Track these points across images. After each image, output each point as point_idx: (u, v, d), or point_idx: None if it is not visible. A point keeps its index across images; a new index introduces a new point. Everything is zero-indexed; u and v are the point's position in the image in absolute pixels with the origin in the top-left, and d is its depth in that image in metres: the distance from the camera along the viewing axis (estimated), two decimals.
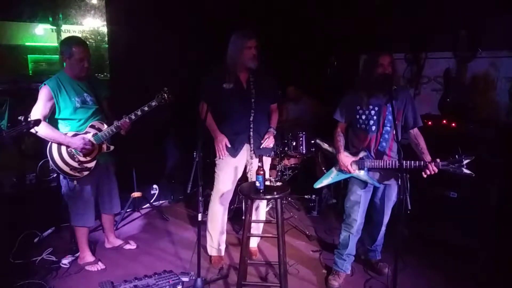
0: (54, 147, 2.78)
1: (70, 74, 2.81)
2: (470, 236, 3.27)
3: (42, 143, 2.86)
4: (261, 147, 3.00)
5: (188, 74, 3.34)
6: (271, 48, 4.49)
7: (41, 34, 5.55)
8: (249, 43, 2.82)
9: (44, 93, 2.70)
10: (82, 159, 2.82)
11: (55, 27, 5.58)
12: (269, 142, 3.01)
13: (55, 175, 3.34)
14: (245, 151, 3.02)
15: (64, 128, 2.82)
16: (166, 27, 4.14)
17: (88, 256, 3.11)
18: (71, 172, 2.81)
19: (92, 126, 2.87)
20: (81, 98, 2.82)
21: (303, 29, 4.85)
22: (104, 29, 4.87)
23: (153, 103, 2.81)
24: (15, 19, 5.05)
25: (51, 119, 2.77)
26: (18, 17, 5.02)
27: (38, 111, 2.68)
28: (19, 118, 2.30)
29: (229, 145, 2.94)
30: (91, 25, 5.65)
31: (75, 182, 2.85)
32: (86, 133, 2.84)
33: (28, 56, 5.43)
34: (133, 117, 2.83)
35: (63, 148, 2.78)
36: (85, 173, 2.85)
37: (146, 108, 2.82)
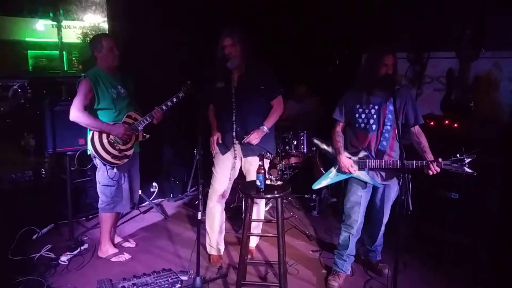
0: (96, 136, 2.89)
1: (104, 68, 2.95)
2: (471, 237, 3.26)
3: (41, 139, 2.88)
4: (243, 142, 2.93)
5: (189, 70, 3.33)
6: (273, 46, 4.49)
7: (42, 30, 5.54)
8: (224, 42, 2.81)
9: (84, 85, 2.83)
10: (122, 147, 2.96)
11: (55, 23, 5.56)
12: (250, 138, 2.88)
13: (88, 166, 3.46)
14: (238, 150, 3.02)
15: (102, 119, 2.93)
16: (167, 23, 4.12)
17: (111, 249, 3.21)
18: (112, 160, 2.92)
19: (129, 116, 3.01)
20: (116, 90, 2.97)
21: (305, 27, 4.82)
22: (105, 25, 4.87)
23: (181, 94, 2.95)
24: (15, 14, 5.03)
25: (91, 110, 2.87)
26: (18, 12, 5.00)
27: (79, 102, 2.80)
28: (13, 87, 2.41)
29: (220, 142, 3.00)
30: (91, 21, 5.65)
31: (115, 169, 2.96)
32: (124, 122, 2.96)
33: (28, 51, 5.42)
34: (164, 107, 2.99)
35: (104, 138, 2.90)
36: (125, 160, 2.99)
37: (175, 99, 2.97)
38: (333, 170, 2.85)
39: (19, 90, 2.60)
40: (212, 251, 3.17)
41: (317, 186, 2.92)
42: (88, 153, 2.97)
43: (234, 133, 2.96)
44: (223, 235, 3.18)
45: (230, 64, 2.83)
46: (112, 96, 2.92)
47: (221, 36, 2.83)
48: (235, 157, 3.02)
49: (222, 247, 3.19)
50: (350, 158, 2.72)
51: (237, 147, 3.00)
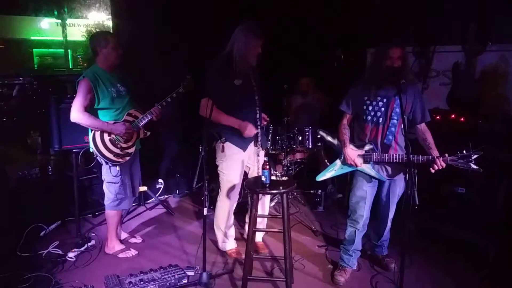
0: (97, 136, 2.90)
1: (103, 66, 2.93)
2: (477, 232, 3.23)
3: (47, 137, 2.89)
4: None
5: (193, 67, 3.35)
6: (279, 42, 4.47)
7: (46, 28, 5.56)
8: (259, 43, 2.83)
9: (84, 85, 2.81)
10: (123, 145, 2.97)
11: (60, 21, 5.58)
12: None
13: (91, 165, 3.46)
14: (251, 148, 3.03)
15: (103, 118, 2.93)
16: (171, 20, 4.12)
17: (117, 245, 3.23)
18: (114, 159, 2.94)
19: (130, 114, 3.01)
20: (116, 89, 2.95)
21: (310, 22, 4.80)
22: (109, 23, 4.87)
23: (180, 90, 2.96)
24: (20, 13, 5.05)
25: (91, 110, 2.87)
26: (23, 11, 5.02)
27: (79, 102, 2.80)
28: (19, 80, 2.39)
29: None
30: (96, 18, 5.64)
31: (117, 167, 2.98)
32: (124, 120, 2.97)
33: (33, 50, 5.44)
34: (164, 103, 2.99)
35: (106, 137, 2.91)
36: (127, 158, 3.01)
37: (174, 95, 2.97)
38: (338, 163, 2.84)
39: (27, 85, 2.60)
40: (230, 246, 3.23)
41: (321, 178, 2.90)
42: (91, 150, 2.97)
43: (258, 132, 2.97)
44: (233, 227, 3.27)
45: (255, 63, 2.89)
46: (112, 95, 2.90)
47: (258, 36, 2.82)
48: (248, 154, 3.05)
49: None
50: (356, 151, 2.72)
51: (251, 145, 3.03)
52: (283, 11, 4.70)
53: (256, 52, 2.85)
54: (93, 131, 2.89)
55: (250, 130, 2.86)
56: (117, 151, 2.94)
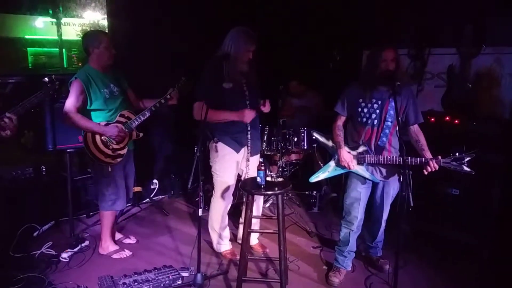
0: (89, 137, 2.87)
1: (96, 67, 2.90)
2: (471, 233, 3.25)
3: (41, 137, 2.87)
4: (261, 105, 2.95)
5: (188, 67, 3.35)
6: (274, 43, 4.48)
7: (41, 27, 5.51)
8: (250, 48, 2.82)
9: (76, 86, 2.78)
10: (115, 146, 2.93)
11: (55, 20, 5.54)
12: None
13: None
14: (244, 151, 3.03)
15: (96, 119, 2.90)
16: (167, 20, 4.11)
17: (111, 245, 3.21)
18: (106, 160, 2.91)
19: (122, 115, 2.97)
20: (109, 89, 2.92)
21: (306, 23, 4.81)
22: (105, 22, 4.85)
23: (175, 90, 2.98)
24: (14, 12, 5.01)
25: (83, 111, 2.85)
26: (17, 9, 4.98)
27: (71, 103, 2.77)
28: (44, 80, 2.47)
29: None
30: (91, 18, 5.61)
31: (109, 168, 2.95)
32: (117, 122, 2.93)
33: (28, 49, 5.39)
34: (157, 105, 2.99)
35: (97, 138, 2.88)
36: (119, 159, 2.97)
37: (168, 96, 3.00)
38: (332, 164, 2.84)
39: (49, 85, 2.53)
40: (225, 247, 3.22)
41: (314, 179, 2.90)
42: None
43: (248, 137, 2.97)
44: (228, 228, 3.27)
45: (247, 68, 2.87)
46: (105, 96, 2.88)
47: (249, 42, 2.80)
48: (242, 157, 3.04)
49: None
50: (349, 152, 2.72)
51: (245, 148, 3.01)
52: (279, 12, 4.71)
53: (246, 58, 2.83)
54: (85, 132, 2.86)
55: (249, 114, 2.85)
56: (109, 152, 2.91)
